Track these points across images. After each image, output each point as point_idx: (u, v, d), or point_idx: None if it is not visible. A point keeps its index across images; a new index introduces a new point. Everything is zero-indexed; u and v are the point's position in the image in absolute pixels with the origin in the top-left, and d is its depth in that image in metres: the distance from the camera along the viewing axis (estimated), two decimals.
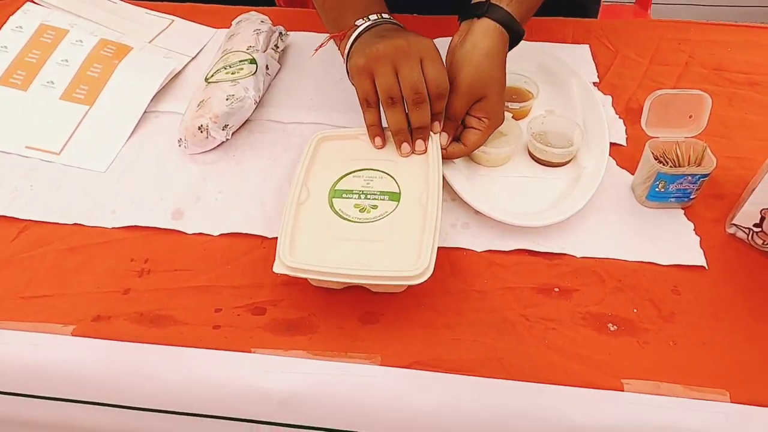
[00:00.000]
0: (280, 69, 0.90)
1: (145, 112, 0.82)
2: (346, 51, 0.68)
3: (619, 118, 0.82)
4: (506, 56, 0.69)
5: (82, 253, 0.67)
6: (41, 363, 0.58)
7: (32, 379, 0.59)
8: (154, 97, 0.84)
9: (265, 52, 0.85)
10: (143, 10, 1.00)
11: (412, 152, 0.68)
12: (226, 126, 0.76)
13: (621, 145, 0.78)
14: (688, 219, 0.69)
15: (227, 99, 0.76)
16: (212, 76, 0.80)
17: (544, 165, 0.75)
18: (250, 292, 0.62)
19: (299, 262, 0.57)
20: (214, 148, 0.78)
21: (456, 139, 0.71)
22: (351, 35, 0.68)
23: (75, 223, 0.70)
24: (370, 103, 0.67)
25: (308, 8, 1.90)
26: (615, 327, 0.59)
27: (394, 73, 0.63)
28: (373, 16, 0.68)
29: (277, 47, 0.89)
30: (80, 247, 0.67)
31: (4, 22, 0.89)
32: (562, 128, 0.76)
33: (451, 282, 0.64)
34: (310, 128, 0.81)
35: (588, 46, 0.95)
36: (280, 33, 0.92)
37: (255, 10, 0.95)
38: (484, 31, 0.67)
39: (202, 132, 0.75)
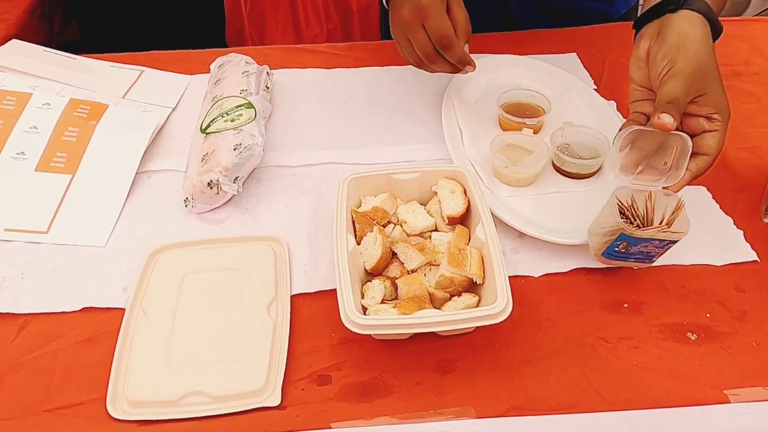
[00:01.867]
0: (272, 110, 0.85)
1: (137, 173, 0.75)
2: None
3: None
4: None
5: (102, 342, 0.58)
6: None
7: None
8: (142, 156, 0.76)
9: (258, 94, 0.80)
10: (107, 64, 0.91)
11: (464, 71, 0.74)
12: (237, 178, 0.70)
13: None
14: (726, 214, 0.70)
15: (235, 149, 0.70)
16: (209, 126, 0.74)
17: (571, 177, 0.73)
18: (309, 360, 0.56)
19: (367, 318, 0.52)
20: (224, 203, 0.71)
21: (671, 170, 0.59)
22: None
23: (84, 308, 0.61)
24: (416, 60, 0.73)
25: (274, 44, 1.83)
26: (695, 336, 0.58)
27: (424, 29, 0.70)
28: None
29: (268, 88, 0.84)
30: (98, 335, 0.59)
31: None
32: (583, 139, 0.74)
33: (516, 312, 0.60)
34: (321, 169, 0.76)
35: (575, 54, 0.95)
36: (268, 72, 0.86)
37: (233, 51, 0.89)
38: (689, 22, 0.59)
39: (212, 188, 0.68)
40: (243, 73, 0.81)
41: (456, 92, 0.84)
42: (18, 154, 0.74)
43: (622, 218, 0.56)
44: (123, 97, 0.85)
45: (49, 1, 1.22)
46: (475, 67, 0.74)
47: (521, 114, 0.78)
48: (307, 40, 1.86)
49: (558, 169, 0.74)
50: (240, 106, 0.76)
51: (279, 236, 0.67)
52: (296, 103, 0.87)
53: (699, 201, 0.71)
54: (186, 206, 0.70)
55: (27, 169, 0.73)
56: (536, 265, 0.64)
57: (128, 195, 0.73)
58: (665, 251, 0.58)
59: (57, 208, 0.70)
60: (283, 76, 0.92)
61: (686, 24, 0.59)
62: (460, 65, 0.73)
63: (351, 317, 0.52)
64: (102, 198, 0.72)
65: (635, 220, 0.57)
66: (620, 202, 0.58)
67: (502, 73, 0.88)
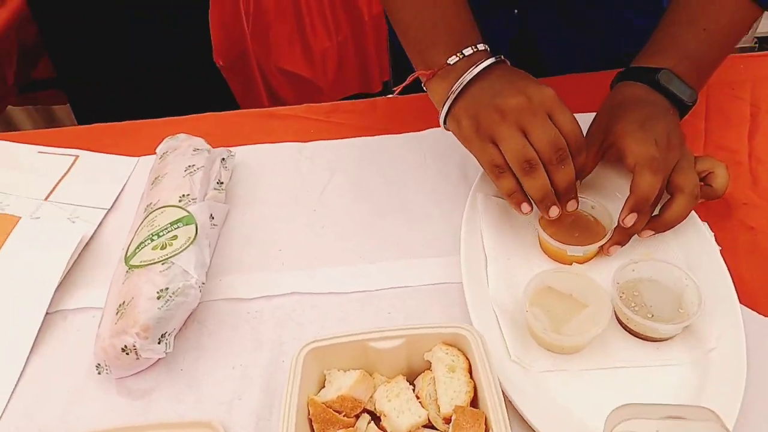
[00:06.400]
0: (229, 210, 0.66)
1: (47, 314, 0.58)
2: (445, 107, 0.58)
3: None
4: (670, 119, 0.57)
5: None
6: None
7: None
8: (57, 287, 0.59)
9: (204, 199, 0.61)
10: (36, 149, 0.74)
11: (563, 213, 0.54)
12: (163, 335, 0.52)
13: None
14: None
15: (159, 297, 0.51)
16: (134, 254, 0.56)
17: (642, 339, 0.51)
18: None
19: None
20: (151, 364, 0.53)
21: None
22: (451, 85, 0.57)
23: None
24: (502, 168, 0.54)
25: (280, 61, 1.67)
26: None
27: (522, 133, 0.53)
28: (467, 50, 0.58)
29: (221, 183, 0.65)
30: None
31: None
32: (662, 279, 0.52)
33: None
34: (285, 304, 0.57)
35: None
36: (223, 159, 0.68)
37: (189, 121, 0.71)
38: (632, 87, 0.59)
39: (128, 354, 0.50)
40: (187, 168, 0.63)
41: (484, 187, 0.63)
42: None
43: None
44: (46, 198, 0.68)
45: None
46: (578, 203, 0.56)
47: (569, 232, 0.57)
48: (317, 56, 1.70)
49: (624, 326, 0.52)
50: (176, 222, 0.58)
51: (213, 421, 0.48)
52: (260, 196, 0.69)
53: None
54: (99, 373, 0.52)
55: None
56: None
57: (31, 351, 0.55)
58: None
59: None
60: (248, 154, 0.73)
61: (629, 87, 0.60)
62: (567, 193, 0.54)
63: None
64: (14, 332, 0.55)
65: None
66: None
67: None
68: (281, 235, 0.64)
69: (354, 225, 0.64)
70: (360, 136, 0.74)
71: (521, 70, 0.58)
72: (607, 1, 0.77)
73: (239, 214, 0.67)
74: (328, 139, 0.75)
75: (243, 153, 0.73)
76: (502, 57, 0.58)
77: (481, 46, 0.58)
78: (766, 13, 0.63)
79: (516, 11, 0.78)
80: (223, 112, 0.80)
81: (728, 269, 0.52)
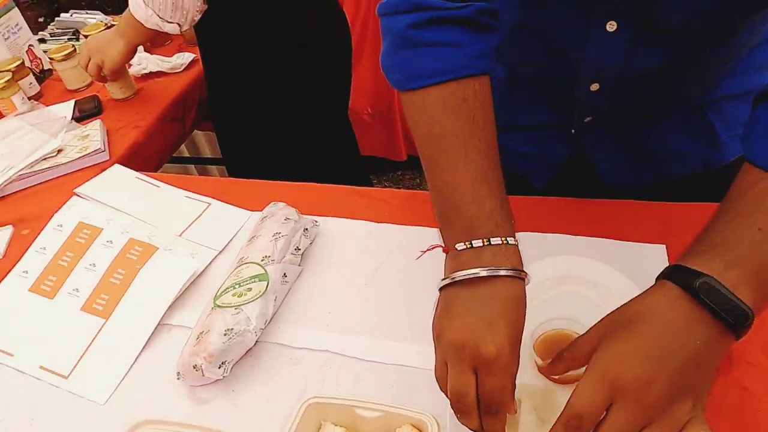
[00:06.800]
0: (302, 271, 0.84)
1: (158, 324, 0.79)
2: (438, 289, 0.56)
3: None
4: (710, 354, 0.47)
5: None
6: None
7: None
8: (170, 306, 0.80)
9: (282, 261, 0.79)
10: (182, 194, 0.99)
11: None
12: (223, 363, 0.70)
13: None
14: None
15: (225, 334, 0.70)
16: (220, 295, 0.75)
17: None
18: None
19: None
20: (214, 381, 0.72)
21: None
22: (452, 269, 0.54)
23: None
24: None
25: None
26: None
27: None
28: (477, 242, 0.53)
29: (299, 249, 0.83)
30: None
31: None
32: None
33: None
34: (319, 359, 0.73)
35: (665, 247, 0.77)
36: (306, 228, 0.85)
37: (294, 188, 0.90)
38: (665, 295, 0.47)
39: (197, 371, 0.69)
40: (274, 234, 0.82)
41: None
42: (73, 290, 0.84)
43: None
44: (180, 234, 0.91)
45: (183, 105, 1.37)
46: None
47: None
48: None
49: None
50: (254, 277, 0.76)
51: None
52: (330, 262, 0.85)
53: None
54: (178, 379, 0.72)
55: (75, 307, 0.82)
56: None
57: (143, 350, 0.77)
58: None
59: (83, 354, 0.77)
60: (331, 225, 0.91)
61: (661, 296, 0.47)
62: None
63: None
64: (120, 350, 0.77)
65: None
66: None
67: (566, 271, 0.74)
68: (333, 301, 0.79)
69: (392, 301, 0.78)
70: (426, 226, 0.87)
71: (511, 297, 0.52)
72: (660, 126, 0.81)
73: (311, 275, 0.84)
74: (396, 224, 0.89)
75: (327, 223, 0.91)
76: (510, 269, 0.52)
77: (499, 240, 0.53)
78: None
79: (573, 131, 0.82)
80: (320, 185, 0.99)
81: None
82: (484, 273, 0.52)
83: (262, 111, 1.38)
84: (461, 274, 0.52)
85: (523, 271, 0.53)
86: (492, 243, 0.53)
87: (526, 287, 0.54)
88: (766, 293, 0.47)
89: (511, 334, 0.50)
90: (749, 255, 0.46)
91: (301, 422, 0.59)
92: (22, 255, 0.91)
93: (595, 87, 0.73)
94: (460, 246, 0.54)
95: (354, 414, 0.60)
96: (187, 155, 2.03)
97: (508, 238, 0.54)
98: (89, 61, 1.26)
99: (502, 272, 0.52)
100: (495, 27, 0.62)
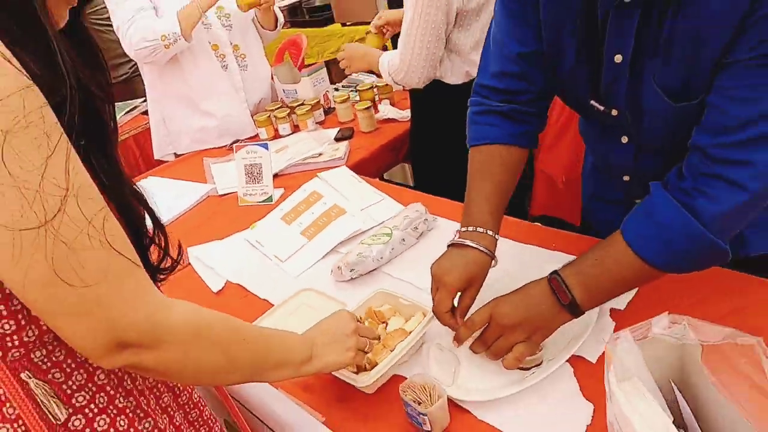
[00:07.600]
0: (416, 243, 1.37)
1: (333, 249, 1.42)
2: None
3: None
4: (551, 318, 0.86)
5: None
6: None
7: None
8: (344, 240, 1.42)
9: (403, 230, 1.35)
10: (371, 189, 1.62)
11: None
12: (353, 269, 1.28)
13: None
14: None
15: (358, 255, 1.28)
16: (368, 239, 1.34)
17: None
18: None
19: None
20: (348, 279, 1.30)
21: None
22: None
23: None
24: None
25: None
26: None
27: None
28: (471, 228, 0.97)
29: (416, 229, 1.37)
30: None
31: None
32: None
33: None
34: (405, 287, 1.25)
35: None
36: (426, 220, 1.39)
37: (437, 201, 1.46)
38: (538, 283, 0.90)
39: (339, 271, 1.28)
40: (405, 217, 1.38)
41: None
42: (299, 223, 1.51)
43: None
44: (362, 210, 1.54)
45: (401, 142, 2.02)
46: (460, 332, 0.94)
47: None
48: None
49: None
50: (385, 234, 1.33)
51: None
52: (438, 245, 1.37)
53: None
54: (331, 274, 1.32)
55: (297, 231, 1.50)
56: None
57: (324, 256, 1.40)
58: None
59: (298, 250, 1.43)
60: (448, 226, 1.42)
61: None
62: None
63: None
64: (313, 255, 1.41)
65: None
66: None
67: None
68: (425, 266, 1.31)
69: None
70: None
71: (470, 259, 0.94)
72: None
73: (422, 248, 1.37)
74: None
75: (445, 224, 1.43)
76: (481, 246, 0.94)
77: (480, 229, 0.95)
78: None
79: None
80: (449, 200, 1.51)
81: None
82: (465, 243, 0.95)
83: (453, 162, 1.96)
84: (452, 240, 0.99)
85: (490, 252, 0.95)
86: (477, 230, 0.96)
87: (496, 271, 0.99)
88: (590, 295, 0.84)
89: (460, 277, 0.92)
90: (584, 270, 0.85)
91: (372, 298, 1.13)
92: (282, 202, 1.64)
93: (626, 178, 1.07)
94: (462, 229, 0.99)
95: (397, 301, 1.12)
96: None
97: (488, 230, 0.96)
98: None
99: (473, 244, 0.94)
100: (527, 120, 1.05)
